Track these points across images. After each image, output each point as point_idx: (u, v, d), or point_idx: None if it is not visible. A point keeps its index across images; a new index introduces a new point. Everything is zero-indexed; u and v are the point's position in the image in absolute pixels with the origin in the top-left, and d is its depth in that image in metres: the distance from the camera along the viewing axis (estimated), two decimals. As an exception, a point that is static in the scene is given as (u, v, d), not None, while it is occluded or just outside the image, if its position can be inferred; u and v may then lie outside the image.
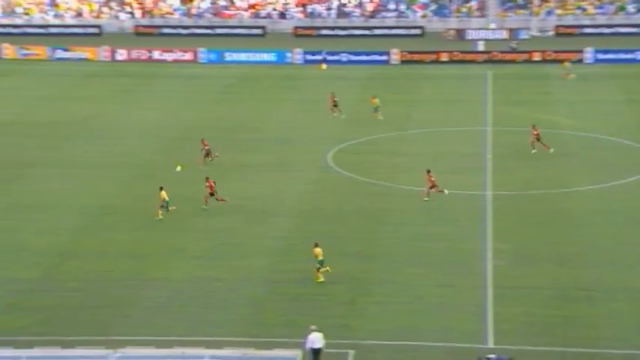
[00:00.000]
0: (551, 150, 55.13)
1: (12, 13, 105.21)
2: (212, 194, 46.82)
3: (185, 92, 75.53)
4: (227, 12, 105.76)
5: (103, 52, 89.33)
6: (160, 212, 45.24)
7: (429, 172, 47.77)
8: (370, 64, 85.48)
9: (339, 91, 68.07)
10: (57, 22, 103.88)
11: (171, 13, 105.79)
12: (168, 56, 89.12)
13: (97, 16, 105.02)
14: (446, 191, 47.43)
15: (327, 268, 38.48)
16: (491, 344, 33.33)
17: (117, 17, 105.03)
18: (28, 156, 56.48)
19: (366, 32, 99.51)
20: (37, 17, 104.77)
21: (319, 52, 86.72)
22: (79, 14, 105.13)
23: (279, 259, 40.90)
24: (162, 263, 40.30)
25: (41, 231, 44.00)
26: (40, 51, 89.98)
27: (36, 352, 31.77)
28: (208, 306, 36.42)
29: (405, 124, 63.29)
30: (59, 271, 39.64)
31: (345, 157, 55.30)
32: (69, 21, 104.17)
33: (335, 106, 65.44)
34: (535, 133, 55.47)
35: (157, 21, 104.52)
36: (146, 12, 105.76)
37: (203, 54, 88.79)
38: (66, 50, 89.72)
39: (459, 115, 65.45)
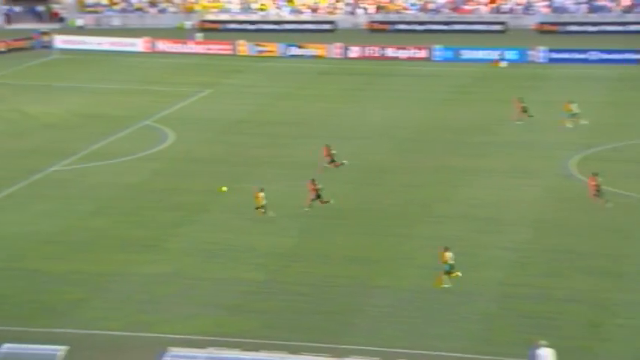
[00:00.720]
0: None
1: (248, 9, 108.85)
2: (318, 197, 47.01)
3: (417, 92, 75.59)
4: (465, 7, 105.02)
5: (334, 49, 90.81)
6: (262, 212, 45.90)
7: None
8: (622, 63, 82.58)
9: (583, 92, 66.13)
10: (291, 18, 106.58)
11: (407, 9, 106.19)
12: (402, 54, 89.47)
13: (332, 12, 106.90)
14: None
15: (458, 273, 38.01)
16: None
17: (352, 13, 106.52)
18: (257, 155, 58.15)
19: (620, 29, 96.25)
20: (272, 13, 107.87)
21: (566, 51, 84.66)
22: (314, 10, 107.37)
23: (513, 272, 40.06)
24: (387, 270, 40.40)
25: (268, 232, 45.07)
26: (272, 48, 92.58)
27: (262, 355, 32.52)
28: (435, 318, 36.14)
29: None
30: (284, 273, 40.46)
31: (589, 165, 53.52)
32: (303, 17, 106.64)
33: (524, 112, 63.79)
34: None
35: (392, 17, 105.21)
36: (380, 7, 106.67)
37: (438, 51, 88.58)
38: (298, 47, 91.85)
39: None
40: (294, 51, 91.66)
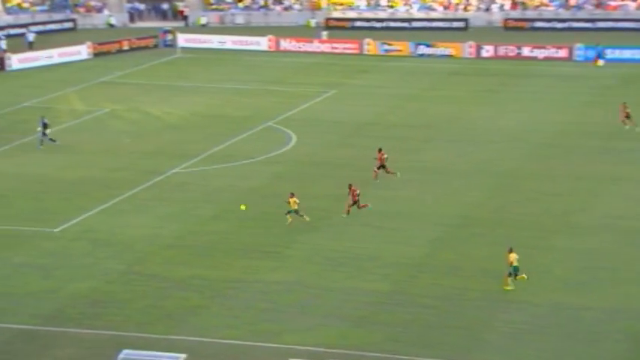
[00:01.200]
0: None
1: (376, 6, 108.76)
2: (355, 203, 46.69)
3: (556, 94, 74.24)
4: (611, 3, 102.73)
5: (467, 49, 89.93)
6: (290, 217, 46.05)
7: None
8: None
9: None
10: (421, 15, 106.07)
11: (547, 5, 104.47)
12: (540, 53, 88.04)
13: (465, 9, 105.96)
14: None
15: (524, 275, 38.07)
16: None
17: (486, 10, 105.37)
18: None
19: None
20: (402, 10, 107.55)
21: None
22: (446, 7, 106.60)
23: (658, 289, 38.90)
24: (522, 284, 39.56)
25: (394, 240, 44.77)
26: (402, 47, 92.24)
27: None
28: (574, 338, 35.22)
29: None
30: (411, 284, 40.08)
31: None
32: (434, 14, 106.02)
33: (627, 117, 61.85)
34: None
35: (530, 14, 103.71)
36: (517, 3, 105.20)
37: (580, 51, 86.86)
38: (429, 46, 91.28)
39: None
40: (424, 50, 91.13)
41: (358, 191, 47.65)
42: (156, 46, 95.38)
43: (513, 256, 38.71)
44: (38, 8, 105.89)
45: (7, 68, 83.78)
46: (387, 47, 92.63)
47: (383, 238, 45.06)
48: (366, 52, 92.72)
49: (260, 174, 55.04)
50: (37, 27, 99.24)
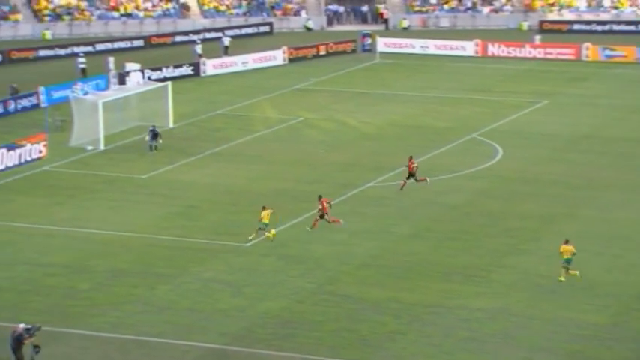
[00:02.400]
0: None
1: (599, 7, 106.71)
2: (322, 216, 46.87)
3: None
4: None
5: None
6: (255, 234, 46.67)
7: None
8: None
9: None
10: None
11: None
12: None
13: None
14: None
15: (576, 272, 40.66)
16: None
17: None
18: (602, 177, 56.70)
19: None
20: (628, 12, 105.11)
21: None
22: None
23: None
24: None
25: (612, 267, 43.79)
26: (627, 52, 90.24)
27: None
28: None
29: None
30: (633, 317, 39.02)
31: None
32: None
33: None
34: None
35: None
36: None
37: None
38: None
39: None
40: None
41: (329, 202, 48.25)
42: (354, 51, 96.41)
43: (566, 248, 40.83)
44: (235, 11, 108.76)
45: (202, 74, 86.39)
46: (609, 52, 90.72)
47: (601, 264, 44.10)
48: (585, 58, 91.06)
49: (462, 190, 54.82)
50: (233, 31, 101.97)
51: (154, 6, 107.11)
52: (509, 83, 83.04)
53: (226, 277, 43.27)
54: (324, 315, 39.52)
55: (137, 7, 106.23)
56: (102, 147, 63.26)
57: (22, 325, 34.49)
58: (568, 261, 41.33)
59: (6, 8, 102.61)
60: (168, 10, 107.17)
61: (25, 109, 73.51)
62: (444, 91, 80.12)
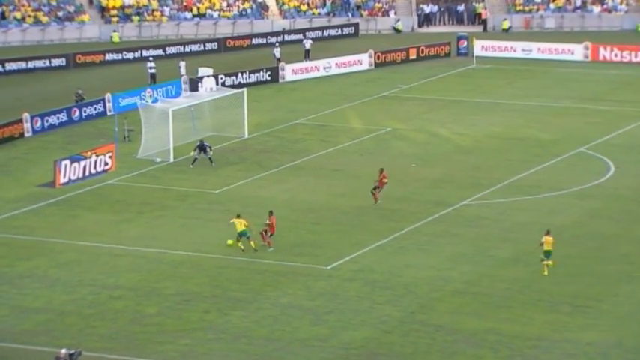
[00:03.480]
0: None
1: None
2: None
3: None
4: None
5: None
6: (240, 243, 48.21)
7: None
8: None
9: None
10: None
11: None
12: None
13: None
14: None
15: (550, 262, 43.95)
16: None
17: None
18: None
19: None
20: None
21: None
22: None
23: None
24: None
25: None
26: None
27: None
28: None
29: None
30: None
31: None
32: None
33: None
34: None
35: None
36: None
37: None
38: None
39: None
40: None
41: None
42: (448, 54, 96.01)
43: (548, 239, 44.19)
44: (318, 11, 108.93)
45: (281, 80, 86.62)
46: None
47: None
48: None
49: (570, 209, 54.30)
50: (315, 33, 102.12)
51: (229, 6, 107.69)
52: (623, 91, 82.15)
53: (306, 303, 43.17)
54: (414, 347, 39.23)
55: (213, 7, 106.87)
56: (172, 159, 63.64)
57: (64, 350, 35.02)
58: (548, 253, 43.72)
59: (71, 8, 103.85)
60: (245, 10, 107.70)
61: (90, 117, 74.32)
62: (549, 100, 79.44)
